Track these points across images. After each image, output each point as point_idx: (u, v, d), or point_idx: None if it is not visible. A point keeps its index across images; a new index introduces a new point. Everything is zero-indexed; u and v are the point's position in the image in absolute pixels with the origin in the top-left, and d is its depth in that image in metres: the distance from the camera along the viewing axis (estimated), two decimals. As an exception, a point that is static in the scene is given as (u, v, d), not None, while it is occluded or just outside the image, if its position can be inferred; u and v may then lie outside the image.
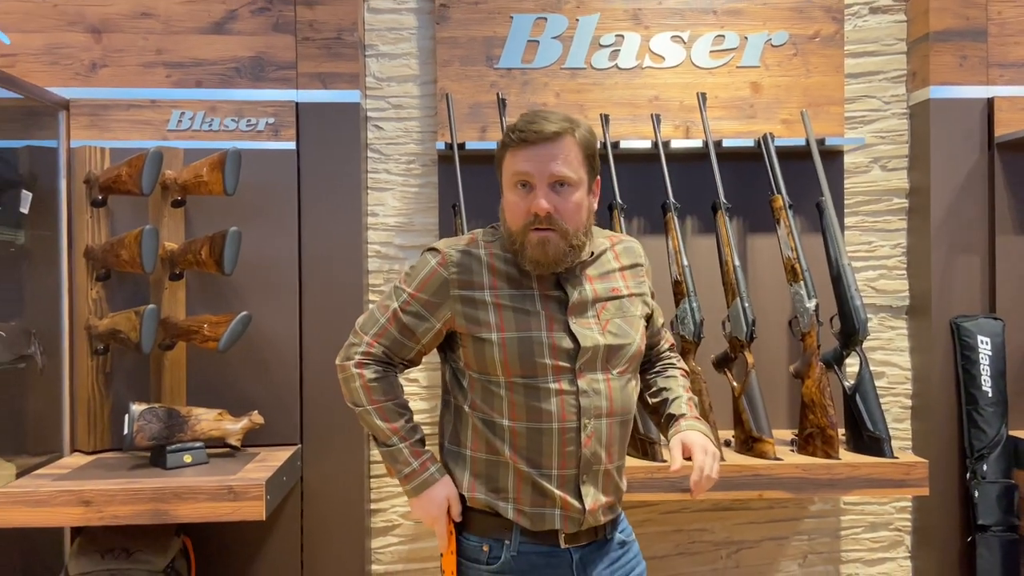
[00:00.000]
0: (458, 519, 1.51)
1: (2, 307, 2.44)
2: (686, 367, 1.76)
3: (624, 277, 1.57)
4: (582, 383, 1.46)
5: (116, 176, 2.36)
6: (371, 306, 1.81)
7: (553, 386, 1.45)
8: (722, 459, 2.10)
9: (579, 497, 1.46)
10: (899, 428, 2.84)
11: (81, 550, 2.28)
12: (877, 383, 2.82)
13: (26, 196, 2.48)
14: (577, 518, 1.46)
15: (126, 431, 2.26)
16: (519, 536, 1.47)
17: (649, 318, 1.63)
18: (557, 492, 1.45)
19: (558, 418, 1.45)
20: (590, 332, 1.47)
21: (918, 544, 2.83)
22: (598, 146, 1.55)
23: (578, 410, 1.45)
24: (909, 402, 2.85)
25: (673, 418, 1.60)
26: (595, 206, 1.54)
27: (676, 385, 1.67)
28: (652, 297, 1.66)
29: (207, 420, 2.38)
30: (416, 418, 1.61)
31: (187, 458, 2.30)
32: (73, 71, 2.57)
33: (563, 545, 1.48)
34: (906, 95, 2.83)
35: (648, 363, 1.71)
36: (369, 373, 1.52)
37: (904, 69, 2.83)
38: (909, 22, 2.81)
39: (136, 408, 2.27)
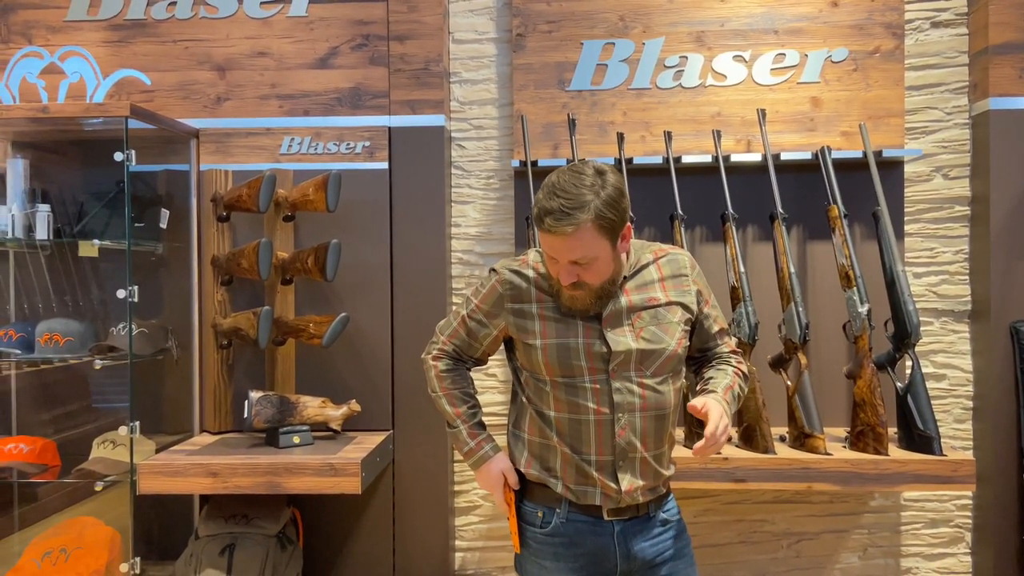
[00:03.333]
0: (515, 487, 1.76)
1: (145, 308, 2.76)
2: (745, 369, 1.83)
3: (664, 288, 1.73)
4: (616, 383, 1.66)
5: (238, 196, 2.72)
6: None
7: (589, 385, 1.66)
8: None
9: (615, 480, 1.67)
10: (960, 428, 2.91)
11: (209, 515, 2.65)
12: (939, 385, 2.92)
13: (164, 213, 2.86)
14: (615, 497, 1.68)
15: (246, 415, 2.59)
16: (567, 506, 1.71)
17: (693, 323, 1.77)
18: (596, 474, 1.67)
19: (594, 411, 1.66)
20: (623, 339, 1.67)
21: (978, 540, 2.89)
22: (626, 201, 1.59)
23: (611, 405, 1.66)
24: (970, 403, 2.91)
25: (705, 392, 1.72)
26: (628, 246, 1.69)
27: (723, 376, 1.76)
28: (708, 305, 1.79)
29: (312, 407, 2.70)
30: (494, 408, 1.76)
31: (296, 439, 2.61)
32: (202, 104, 2.95)
33: (606, 517, 1.70)
34: (968, 106, 2.89)
35: (705, 360, 1.85)
36: (442, 365, 1.81)
37: (966, 81, 2.89)
38: (970, 35, 2.87)
39: (254, 395, 2.61)
